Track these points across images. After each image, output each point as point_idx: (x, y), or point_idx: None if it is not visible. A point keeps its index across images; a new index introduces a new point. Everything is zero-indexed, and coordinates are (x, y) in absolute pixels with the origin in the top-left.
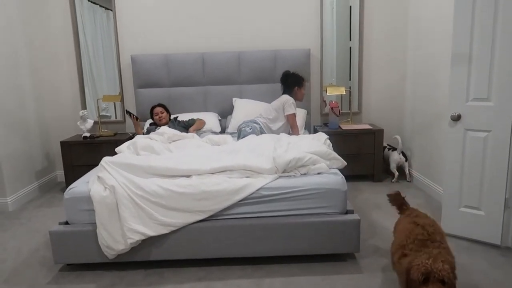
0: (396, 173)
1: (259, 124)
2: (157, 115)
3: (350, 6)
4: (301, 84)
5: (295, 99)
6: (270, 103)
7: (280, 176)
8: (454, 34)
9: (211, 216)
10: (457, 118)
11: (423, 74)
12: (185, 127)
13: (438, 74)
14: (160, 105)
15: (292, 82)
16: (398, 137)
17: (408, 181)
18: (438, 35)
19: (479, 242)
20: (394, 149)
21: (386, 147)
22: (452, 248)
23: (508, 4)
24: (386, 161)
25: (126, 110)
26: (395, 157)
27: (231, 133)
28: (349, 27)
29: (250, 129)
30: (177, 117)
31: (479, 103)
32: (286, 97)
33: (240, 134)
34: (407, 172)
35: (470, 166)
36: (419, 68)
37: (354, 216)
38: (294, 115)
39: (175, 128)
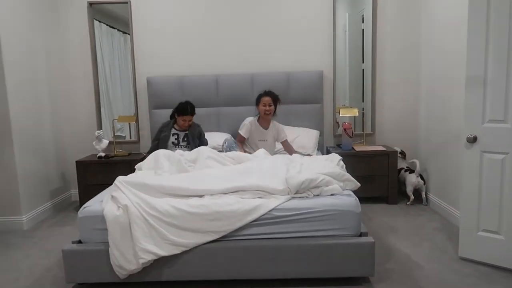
0: (412, 197)
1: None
2: (184, 122)
3: (363, 29)
4: (257, 102)
5: (261, 117)
6: (283, 124)
7: (292, 197)
8: (468, 56)
9: (223, 236)
10: (473, 140)
11: (436, 95)
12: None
13: (452, 95)
14: (191, 109)
15: (256, 101)
16: (416, 160)
17: (424, 205)
18: (450, 56)
19: (499, 268)
20: (412, 171)
21: (403, 168)
22: (471, 273)
23: None
24: (402, 183)
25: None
26: (413, 180)
27: None
28: (362, 50)
29: (226, 143)
30: (199, 127)
31: (495, 125)
32: (248, 118)
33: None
34: (424, 195)
35: (487, 189)
36: (432, 90)
37: (369, 239)
38: (238, 133)
39: (194, 142)
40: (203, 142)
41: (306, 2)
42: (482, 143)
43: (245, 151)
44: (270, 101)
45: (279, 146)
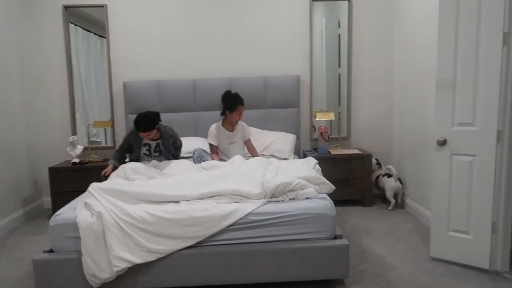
0: (393, 201)
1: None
2: (144, 137)
3: (339, 35)
4: (233, 108)
5: (229, 122)
6: (261, 128)
7: (268, 201)
8: (439, 62)
9: (199, 242)
10: (443, 143)
11: (409, 101)
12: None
13: (425, 101)
14: (145, 128)
15: (225, 105)
16: (390, 166)
17: (402, 208)
18: (423, 65)
19: (468, 267)
20: (390, 175)
21: (380, 175)
22: (442, 273)
23: (488, 33)
24: (381, 189)
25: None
26: (392, 184)
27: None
28: (338, 55)
29: (195, 154)
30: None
31: (464, 128)
32: (212, 125)
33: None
34: (399, 199)
35: (457, 190)
36: (405, 95)
37: (343, 241)
38: (209, 144)
39: (168, 151)
40: (178, 148)
41: (284, 7)
42: (451, 146)
43: (219, 160)
44: (243, 110)
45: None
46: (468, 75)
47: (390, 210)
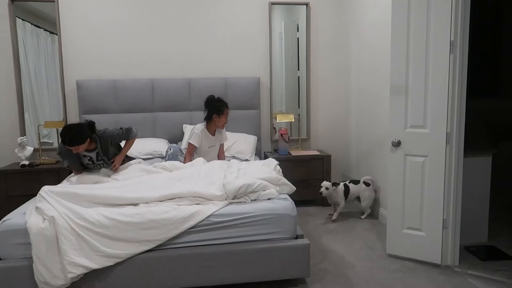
0: (369, 211)
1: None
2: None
3: (298, 38)
4: (220, 112)
5: (214, 125)
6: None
7: (230, 203)
8: (392, 67)
9: (159, 245)
10: (397, 144)
11: (365, 104)
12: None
13: (379, 105)
14: (69, 143)
15: (211, 109)
16: (369, 177)
17: (375, 218)
18: (377, 72)
19: (422, 262)
20: (367, 184)
21: (349, 182)
22: (397, 269)
23: (436, 42)
24: (356, 198)
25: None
26: (372, 194)
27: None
28: (297, 58)
29: (171, 150)
30: (104, 131)
31: (416, 130)
32: (196, 126)
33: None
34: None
35: (410, 190)
36: (361, 98)
37: (304, 241)
38: (189, 144)
39: (108, 155)
40: (120, 137)
41: (243, 9)
42: (405, 147)
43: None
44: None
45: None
46: (419, 80)
47: (363, 219)
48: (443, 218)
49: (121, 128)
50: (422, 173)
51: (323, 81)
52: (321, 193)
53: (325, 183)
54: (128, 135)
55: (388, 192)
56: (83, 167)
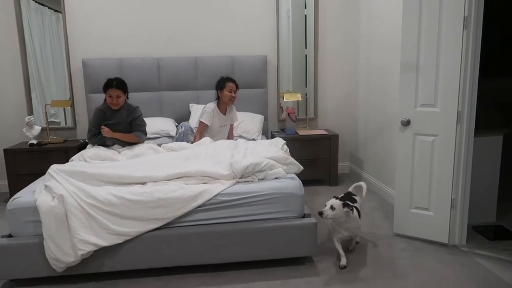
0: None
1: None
2: (111, 98)
3: (306, 15)
4: (221, 87)
5: (223, 102)
6: None
7: (237, 182)
8: (403, 44)
9: (167, 224)
10: (406, 123)
11: (374, 83)
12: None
13: (389, 83)
14: (117, 84)
15: (216, 87)
16: (362, 183)
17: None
18: (387, 47)
19: (429, 242)
20: (354, 201)
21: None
22: (404, 248)
23: (450, 17)
24: (342, 230)
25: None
26: (359, 223)
27: None
28: (305, 36)
29: (182, 128)
30: (137, 108)
31: (426, 109)
32: (208, 105)
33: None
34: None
35: (419, 169)
36: (370, 77)
37: (311, 220)
38: (200, 122)
39: (125, 124)
40: (137, 126)
41: None
42: (414, 126)
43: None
44: (235, 88)
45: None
46: (430, 57)
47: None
48: (451, 198)
49: (143, 122)
50: (431, 153)
51: (331, 60)
52: (322, 214)
53: (333, 202)
54: (140, 130)
55: (396, 172)
56: (99, 133)
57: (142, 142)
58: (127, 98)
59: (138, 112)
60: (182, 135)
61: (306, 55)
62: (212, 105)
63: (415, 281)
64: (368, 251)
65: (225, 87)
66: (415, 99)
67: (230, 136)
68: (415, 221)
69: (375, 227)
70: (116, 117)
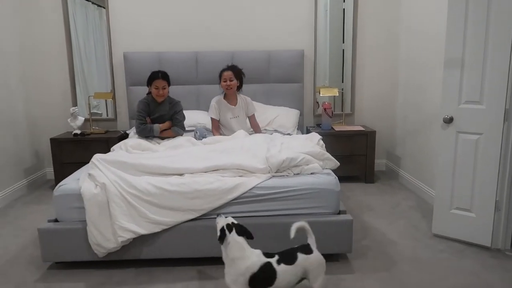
0: None
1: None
2: (157, 89)
3: (344, 9)
4: (219, 78)
5: (227, 93)
6: (263, 103)
7: (273, 176)
8: (448, 38)
9: (204, 215)
10: (449, 121)
11: (415, 79)
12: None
13: (430, 79)
14: (163, 75)
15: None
16: (305, 224)
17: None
18: (429, 41)
19: (470, 244)
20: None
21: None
22: (444, 249)
23: (500, 10)
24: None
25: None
26: (321, 261)
27: None
28: (342, 30)
29: (197, 133)
30: (179, 102)
31: (471, 106)
32: (213, 99)
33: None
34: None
35: (461, 169)
36: (411, 72)
37: (347, 217)
38: (211, 118)
39: (166, 117)
40: (176, 120)
41: None
42: (457, 124)
43: (220, 135)
44: (231, 76)
45: (275, 124)
46: (477, 53)
47: None
48: (495, 200)
49: (182, 117)
50: (475, 152)
51: (369, 54)
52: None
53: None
54: (178, 125)
55: (436, 171)
56: (144, 125)
57: (179, 134)
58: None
59: (179, 106)
60: (201, 138)
61: (343, 50)
62: (216, 98)
63: (455, 284)
64: (405, 251)
65: (222, 78)
66: (459, 96)
67: (256, 129)
68: (455, 222)
69: (412, 227)
70: (160, 110)
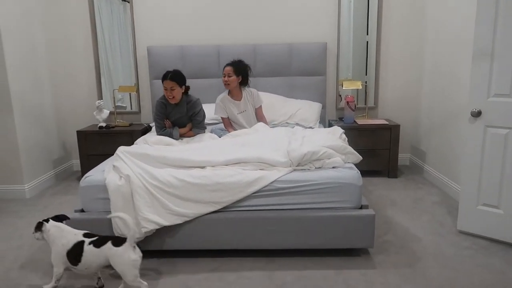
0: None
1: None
2: (166, 90)
3: (368, 1)
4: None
5: (230, 89)
6: (285, 96)
7: (294, 170)
8: (477, 29)
9: (225, 207)
10: (477, 115)
11: (441, 71)
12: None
13: (457, 72)
14: (172, 76)
15: None
16: (127, 217)
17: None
18: (456, 31)
19: (497, 241)
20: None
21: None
22: (469, 246)
23: None
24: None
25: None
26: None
27: None
28: (367, 22)
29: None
30: (197, 100)
31: (500, 99)
32: (218, 96)
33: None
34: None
35: (489, 164)
36: (437, 64)
37: (369, 211)
38: (222, 119)
39: (185, 119)
40: (195, 121)
41: None
42: (486, 118)
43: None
44: (230, 71)
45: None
46: (507, 43)
47: None
48: None
49: (201, 117)
50: (504, 147)
51: (394, 47)
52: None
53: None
54: (199, 126)
55: (462, 166)
56: (163, 126)
57: (199, 133)
58: (188, 89)
59: (198, 105)
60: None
61: (367, 42)
62: (220, 97)
63: (481, 281)
64: (429, 247)
65: (223, 75)
66: (488, 89)
67: (261, 121)
68: (482, 219)
69: (437, 222)
70: (177, 112)
